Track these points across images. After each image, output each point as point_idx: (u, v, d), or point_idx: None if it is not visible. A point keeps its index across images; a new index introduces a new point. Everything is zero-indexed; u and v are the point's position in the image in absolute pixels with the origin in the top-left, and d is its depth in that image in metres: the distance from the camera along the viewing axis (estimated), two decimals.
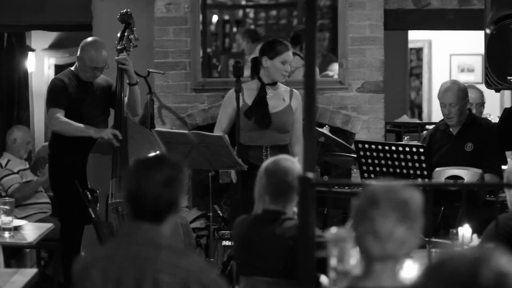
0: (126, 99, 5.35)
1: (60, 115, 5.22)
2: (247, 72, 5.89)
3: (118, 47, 5.33)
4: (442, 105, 5.18)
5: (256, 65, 5.12)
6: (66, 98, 5.27)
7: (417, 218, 2.25)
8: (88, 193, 4.87)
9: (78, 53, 5.35)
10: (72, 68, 5.42)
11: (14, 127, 6.72)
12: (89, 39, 5.43)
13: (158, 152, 4.87)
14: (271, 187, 3.47)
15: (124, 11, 5.40)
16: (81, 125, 5.21)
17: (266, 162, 3.58)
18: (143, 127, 5.52)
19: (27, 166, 6.52)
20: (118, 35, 5.38)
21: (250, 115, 4.99)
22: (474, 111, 5.74)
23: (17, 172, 6.32)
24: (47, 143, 5.89)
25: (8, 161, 6.34)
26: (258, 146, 4.99)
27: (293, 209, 3.48)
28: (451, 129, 5.23)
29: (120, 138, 5.14)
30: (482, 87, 5.81)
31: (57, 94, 5.29)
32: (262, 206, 3.52)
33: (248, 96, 5.04)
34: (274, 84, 5.09)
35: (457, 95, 5.12)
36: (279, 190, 3.47)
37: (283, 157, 3.59)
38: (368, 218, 2.23)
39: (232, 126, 5.07)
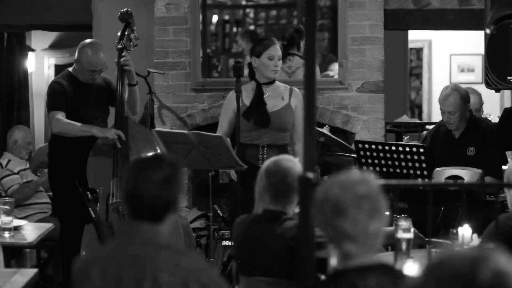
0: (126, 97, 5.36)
1: (61, 116, 5.23)
2: (247, 71, 5.90)
3: (119, 47, 5.33)
4: (442, 112, 5.16)
5: (252, 68, 5.11)
6: (65, 101, 5.27)
7: (382, 205, 2.31)
8: (88, 193, 4.87)
9: (76, 55, 5.34)
10: (70, 69, 5.41)
11: (15, 128, 6.71)
12: (87, 41, 5.41)
13: (158, 151, 4.87)
14: (271, 188, 3.47)
15: (124, 10, 5.39)
16: (82, 124, 5.21)
17: (267, 163, 3.57)
18: (143, 126, 5.52)
19: (28, 166, 6.52)
20: (118, 34, 5.37)
21: (249, 115, 4.98)
22: None
23: (17, 173, 6.32)
24: (45, 144, 5.88)
25: (9, 161, 6.34)
26: (255, 145, 4.99)
27: (293, 209, 3.48)
28: (453, 133, 5.21)
29: (123, 139, 5.14)
30: (482, 87, 5.80)
31: (56, 98, 5.28)
32: (262, 206, 3.52)
33: (246, 97, 5.03)
34: (271, 83, 5.07)
35: (457, 103, 5.08)
36: (279, 191, 3.46)
37: (283, 158, 3.58)
38: (338, 226, 2.27)
39: (233, 128, 5.06)
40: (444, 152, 5.19)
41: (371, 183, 2.32)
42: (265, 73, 5.01)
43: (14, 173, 6.29)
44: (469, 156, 5.10)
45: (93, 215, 4.87)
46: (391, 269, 2.41)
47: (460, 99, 5.10)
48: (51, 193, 6.04)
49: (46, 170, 5.98)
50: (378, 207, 2.29)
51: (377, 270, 2.31)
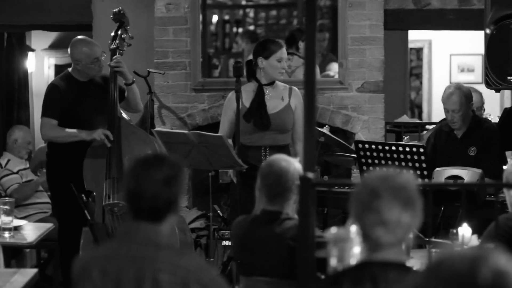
0: (126, 97, 5.35)
1: (52, 123, 5.20)
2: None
3: (112, 47, 5.30)
4: (446, 110, 5.16)
5: (250, 67, 5.10)
6: (60, 106, 5.23)
7: (417, 199, 2.38)
8: (83, 195, 4.86)
9: (73, 56, 5.28)
10: (70, 70, 5.39)
11: (14, 127, 6.72)
12: (73, 40, 5.35)
13: (151, 151, 4.86)
14: (267, 189, 3.48)
15: (117, 10, 5.36)
16: (72, 130, 5.18)
17: (262, 164, 3.58)
18: (137, 126, 5.50)
19: (27, 165, 6.52)
20: (112, 34, 5.35)
21: (249, 117, 4.98)
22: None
23: (17, 172, 6.32)
24: (45, 145, 5.88)
25: (8, 161, 6.35)
26: (257, 147, 4.99)
27: (291, 208, 3.48)
28: (455, 132, 5.21)
29: (111, 139, 5.11)
30: (482, 87, 5.80)
31: (50, 104, 5.24)
32: (261, 207, 3.52)
33: (246, 98, 5.03)
34: (271, 83, 5.08)
35: (461, 102, 5.08)
36: (274, 192, 3.47)
37: (277, 158, 3.57)
38: (374, 210, 2.35)
39: (234, 129, 5.05)
40: (446, 151, 5.19)
41: (409, 178, 2.41)
42: (273, 75, 5.02)
43: (13, 173, 6.29)
44: (470, 156, 5.10)
45: (89, 218, 4.86)
46: (411, 270, 2.46)
47: (463, 97, 5.10)
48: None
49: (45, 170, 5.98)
50: (413, 200, 2.36)
51: (398, 267, 2.38)
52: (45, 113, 5.26)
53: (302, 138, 5.15)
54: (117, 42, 5.30)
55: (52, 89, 5.31)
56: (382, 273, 2.36)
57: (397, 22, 6.56)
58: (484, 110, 6.07)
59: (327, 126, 5.72)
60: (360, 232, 2.41)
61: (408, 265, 2.48)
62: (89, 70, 5.29)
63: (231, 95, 5.04)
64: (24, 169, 6.42)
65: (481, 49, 5.43)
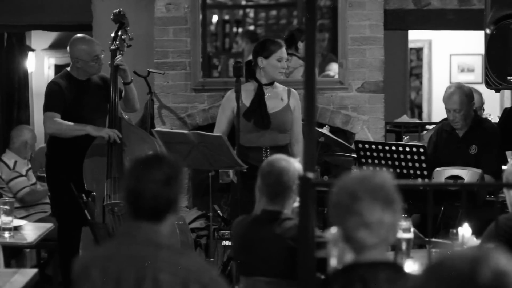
0: (124, 96, 5.35)
1: (55, 117, 5.19)
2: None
3: (112, 48, 5.31)
4: (447, 110, 5.16)
5: (250, 68, 5.11)
6: (63, 102, 5.23)
7: (396, 198, 2.37)
8: (83, 195, 4.86)
9: (72, 55, 5.29)
10: (68, 69, 5.39)
11: (23, 128, 6.68)
12: (73, 39, 5.36)
13: (152, 152, 4.86)
14: (267, 189, 3.48)
15: (117, 11, 5.37)
16: (77, 124, 5.18)
17: (262, 164, 3.58)
18: (137, 127, 5.50)
19: (30, 166, 6.51)
20: (112, 35, 5.36)
21: (249, 116, 4.98)
22: None
23: (25, 174, 6.30)
24: (45, 145, 5.87)
25: (15, 162, 6.31)
26: (257, 147, 4.99)
27: (291, 208, 3.48)
28: (457, 131, 5.21)
29: (118, 141, 5.12)
30: (482, 87, 5.80)
31: (53, 99, 5.24)
32: (261, 207, 3.52)
33: (246, 97, 5.04)
34: (271, 84, 5.08)
35: (462, 101, 5.08)
36: (275, 191, 3.47)
37: (277, 158, 3.58)
38: (355, 213, 2.33)
39: (231, 128, 5.06)
40: (448, 150, 5.19)
41: (385, 177, 2.40)
42: (273, 74, 5.03)
43: (22, 175, 6.28)
44: (471, 155, 5.10)
45: (89, 217, 4.86)
46: (400, 268, 2.46)
47: (464, 96, 5.10)
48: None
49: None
50: (392, 199, 2.35)
51: (387, 267, 2.38)
52: (48, 107, 5.25)
53: (300, 140, 5.19)
54: (117, 43, 5.30)
55: (53, 86, 5.31)
56: (372, 273, 2.35)
57: (397, 22, 6.56)
58: (484, 110, 6.07)
59: (327, 126, 5.73)
60: (343, 235, 2.40)
61: (398, 264, 2.49)
62: (89, 68, 5.30)
63: (230, 94, 5.05)
64: (28, 170, 6.41)
65: (481, 49, 5.43)
